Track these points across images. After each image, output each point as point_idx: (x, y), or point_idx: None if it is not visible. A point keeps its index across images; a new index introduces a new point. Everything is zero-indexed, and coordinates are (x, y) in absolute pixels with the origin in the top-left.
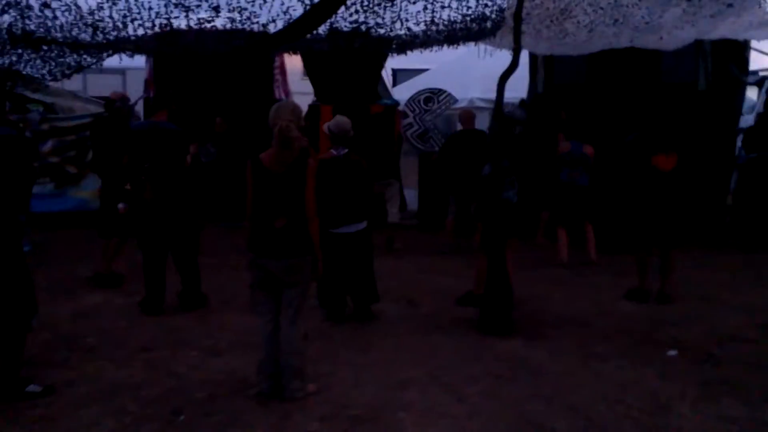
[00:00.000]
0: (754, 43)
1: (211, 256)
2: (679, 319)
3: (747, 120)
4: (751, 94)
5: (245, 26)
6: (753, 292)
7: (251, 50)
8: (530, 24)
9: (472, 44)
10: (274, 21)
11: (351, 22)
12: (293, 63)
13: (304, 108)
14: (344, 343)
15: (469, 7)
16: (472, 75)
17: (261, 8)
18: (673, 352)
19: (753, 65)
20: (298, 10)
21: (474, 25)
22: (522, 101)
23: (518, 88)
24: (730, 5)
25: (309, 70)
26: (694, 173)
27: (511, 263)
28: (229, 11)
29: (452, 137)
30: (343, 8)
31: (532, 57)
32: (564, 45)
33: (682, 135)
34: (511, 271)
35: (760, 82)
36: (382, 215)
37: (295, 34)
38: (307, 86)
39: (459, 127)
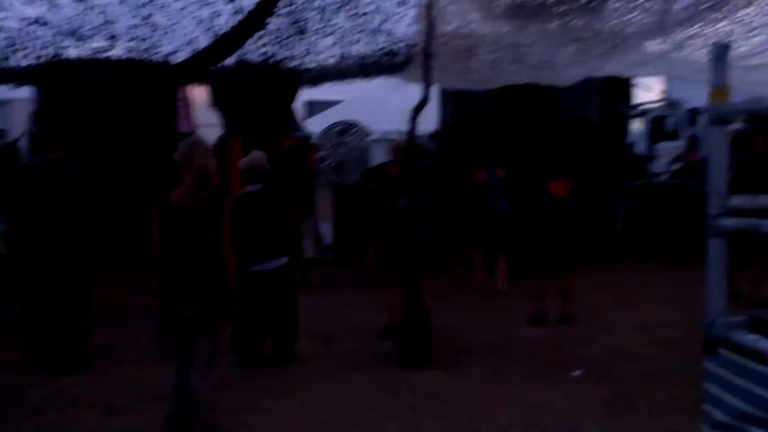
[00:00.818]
0: (638, 79)
1: (107, 304)
2: (582, 339)
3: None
4: (636, 125)
5: (145, 57)
6: (644, 309)
7: (151, 81)
8: (439, 60)
9: (384, 77)
10: (177, 52)
11: (260, 54)
12: (199, 94)
13: (212, 141)
14: (261, 389)
15: (378, 43)
16: (385, 107)
17: (163, 38)
18: (578, 372)
19: (638, 99)
20: (203, 41)
21: (385, 59)
22: (432, 133)
23: (428, 120)
24: (614, 46)
25: (217, 102)
26: (588, 200)
27: (426, 294)
28: (128, 41)
29: (373, 170)
30: (251, 40)
31: (442, 91)
32: (470, 80)
33: (574, 163)
34: (427, 302)
35: (642, 114)
36: (297, 250)
37: (200, 66)
38: (214, 118)
39: (382, 159)
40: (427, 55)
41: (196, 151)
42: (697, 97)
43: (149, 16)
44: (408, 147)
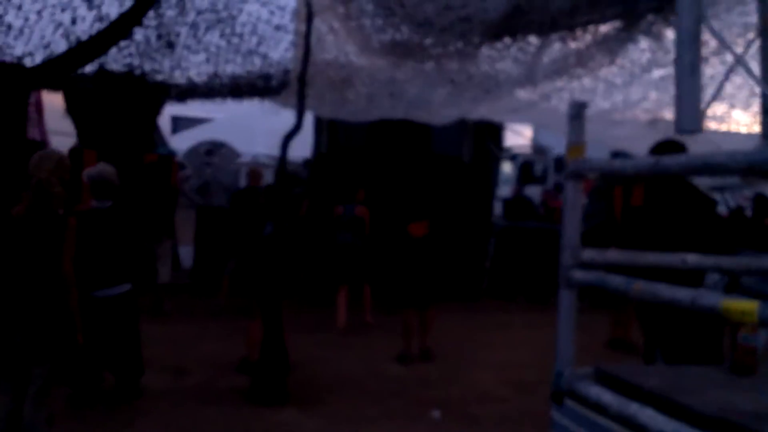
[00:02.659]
0: (509, 124)
1: None
2: (443, 379)
3: (503, 191)
4: (506, 168)
5: None
6: (505, 351)
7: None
8: (314, 87)
9: (256, 100)
10: (31, 54)
11: (124, 65)
12: (53, 100)
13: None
14: (99, 426)
15: (253, 64)
16: (256, 130)
17: (16, 39)
18: (437, 413)
19: (508, 143)
20: (60, 46)
21: (259, 81)
22: (306, 161)
23: (303, 147)
24: (487, 91)
25: (72, 110)
26: (456, 239)
27: (288, 326)
28: None
29: (237, 194)
30: (115, 49)
31: (317, 119)
32: (345, 111)
33: (436, 203)
34: (287, 335)
35: (512, 158)
36: (151, 275)
37: (57, 71)
38: (67, 126)
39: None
40: (302, 82)
41: (42, 163)
42: (563, 145)
43: (1, 15)
44: (278, 173)
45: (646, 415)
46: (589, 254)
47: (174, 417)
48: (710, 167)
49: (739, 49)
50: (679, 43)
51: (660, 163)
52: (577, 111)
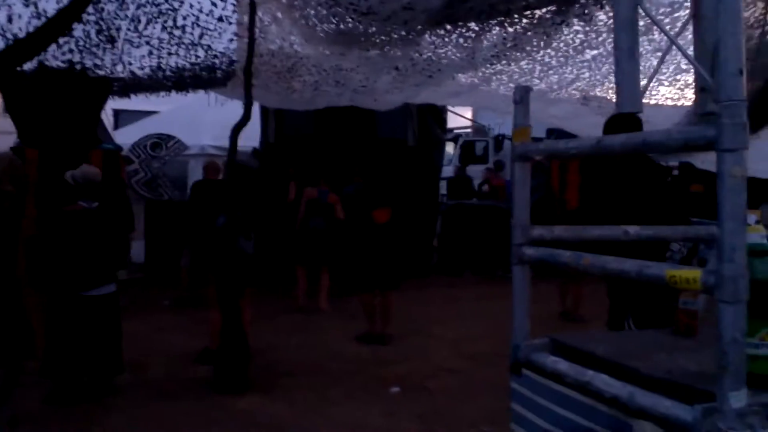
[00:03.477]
0: (450, 107)
1: None
2: (399, 356)
3: (447, 171)
4: (448, 149)
5: None
6: (457, 324)
7: None
8: (259, 78)
9: (202, 91)
10: None
11: (64, 61)
12: None
13: (5, 149)
14: (61, 425)
15: (197, 56)
16: (203, 121)
17: None
18: (395, 389)
19: (449, 124)
20: None
21: (204, 73)
22: (255, 150)
23: (251, 136)
24: (430, 76)
25: (10, 108)
26: (406, 221)
27: (248, 315)
28: None
29: (195, 186)
30: (54, 46)
31: (263, 108)
32: (292, 100)
33: (395, 189)
34: (248, 324)
35: (454, 139)
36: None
37: None
38: (6, 124)
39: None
40: (248, 73)
41: None
42: (503, 125)
43: None
44: (229, 164)
45: (601, 380)
46: (538, 231)
47: (138, 411)
48: (649, 145)
49: (668, 29)
50: (617, 28)
51: (601, 143)
52: (522, 95)
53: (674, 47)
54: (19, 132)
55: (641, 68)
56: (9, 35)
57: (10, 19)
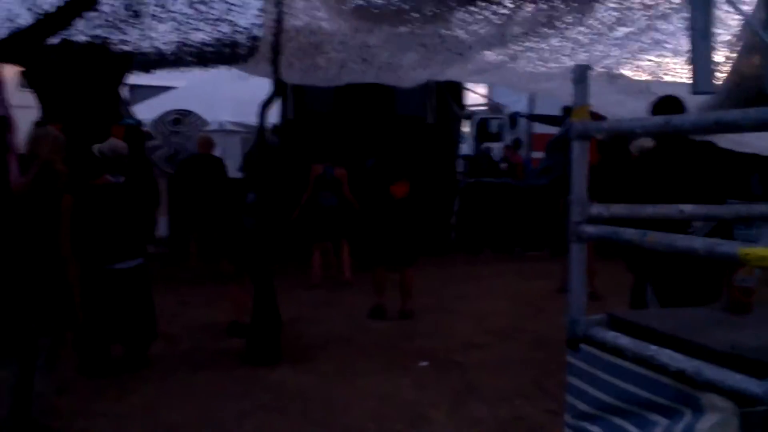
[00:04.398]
0: (467, 84)
1: None
2: (425, 331)
3: (463, 148)
4: (464, 126)
5: None
6: (479, 300)
7: None
8: (283, 54)
9: (223, 68)
10: None
11: (91, 36)
12: (12, 72)
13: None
14: (98, 393)
15: (221, 32)
16: (222, 97)
17: None
18: (424, 363)
19: (465, 102)
20: (26, 19)
21: (226, 49)
22: (275, 127)
23: (270, 113)
24: (459, 54)
25: (32, 82)
26: (424, 197)
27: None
28: None
29: (186, 161)
30: (82, 21)
31: (283, 83)
32: (315, 77)
33: (414, 165)
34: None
35: (469, 116)
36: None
37: (23, 45)
38: (27, 99)
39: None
40: (276, 50)
41: (40, 142)
42: (518, 102)
43: None
44: (258, 141)
45: (666, 355)
46: (596, 209)
47: (169, 382)
48: (722, 125)
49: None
50: (693, 8)
51: (671, 122)
52: (581, 74)
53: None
54: (42, 107)
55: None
56: (38, 10)
57: None
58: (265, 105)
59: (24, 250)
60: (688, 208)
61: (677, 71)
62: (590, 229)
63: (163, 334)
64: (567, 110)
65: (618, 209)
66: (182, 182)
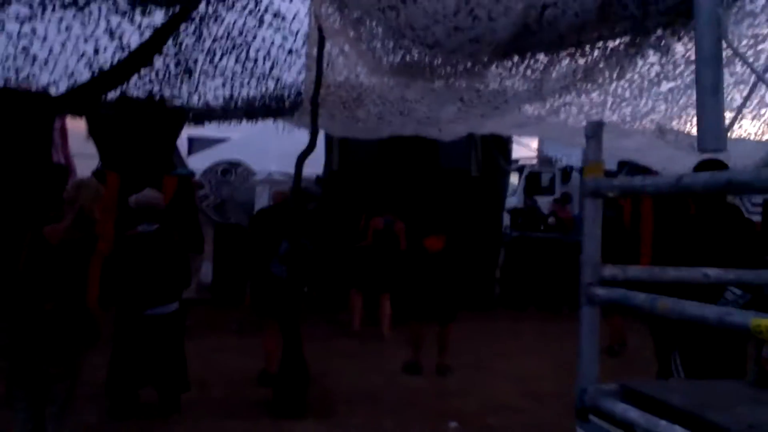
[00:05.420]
0: (515, 137)
1: None
2: (459, 390)
3: (510, 202)
4: (513, 179)
5: (22, 86)
6: (520, 361)
7: (28, 110)
8: (325, 107)
9: (270, 120)
10: (56, 83)
11: (145, 91)
12: (75, 124)
13: (88, 173)
14: None
15: (267, 87)
16: (270, 148)
17: (41, 70)
18: (453, 424)
19: (514, 155)
20: (84, 75)
21: (272, 103)
22: (318, 178)
23: (315, 164)
24: (496, 108)
25: (94, 133)
26: (467, 250)
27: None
28: (3, 70)
29: (260, 213)
30: (136, 76)
31: (328, 137)
32: (356, 129)
33: (451, 217)
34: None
35: (520, 169)
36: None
37: (82, 99)
38: (90, 149)
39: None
40: (315, 103)
41: (83, 191)
42: (570, 156)
43: (27, 47)
44: (294, 192)
45: None
46: (610, 271)
47: (195, 429)
48: (735, 186)
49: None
50: (699, 63)
51: (681, 181)
52: (594, 130)
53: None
54: (101, 156)
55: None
56: (95, 66)
57: (96, 51)
58: (302, 156)
59: (50, 296)
60: (712, 272)
61: (734, 127)
62: (601, 292)
63: (196, 380)
64: (622, 164)
65: (635, 272)
66: (255, 233)
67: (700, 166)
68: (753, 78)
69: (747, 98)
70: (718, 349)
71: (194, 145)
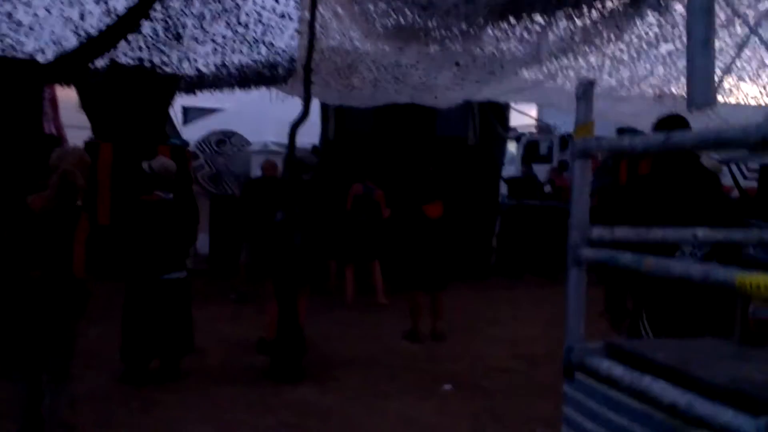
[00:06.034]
0: (514, 105)
1: None
2: (453, 354)
3: (508, 170)
4: (511, 147)
5: (8, 54)
6: (514, 326)
7: (16, 79)
8: (320, 75)
9: (264, 88)
10: (43, 51)
11: (133, 58)
12: (67, 94)
13: (80, 144)
14: (122, 403)
15: (260, 53)
16: (266, 118)
17: (27, 36)
18: (448, 387)
19: (512, 123)
20: (71, 41)
21: (266, 70)
22: (314, 147)
23: (311, 133)
24: (492, 73)
25: (85, 104)
26: (463, 219)
27: (304, 308)
28: None
29: (251, 183)
30: (124, 43)
31: (324, 105)
32: (351, 97)
33: (449, 185)
34: (304, 316)
35: (518, 138)
36: None
37: (69, 66)
38: (82, 120)
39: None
40: (308, 70)
41: (66, 159)
42: (568, 123)
43: (11, 13)
44: (288, 161)
45: (659, 387)
46: (597, 232)
47: (193, 395)
48: (723, 142)
49: (751, 20)
50: (691, 16)
51: (671, 139)
52: (585, 90)
53: (756, 39)
54: (93, 127)
55: (721, 64)
56: (81, 32)
57: (82, 17)
58: (295, 125)
59: (35, 265)
60: (701, 231)
61: (733, 91)
62: (588, 252)
63: (197, 348)
64: (621, 131)
65: (623, 232)
66: (247, 203)
67: (661, 124)
68: (754, 40)
69: (738, 55)
70: (683, 308)
71: (189, 114)
